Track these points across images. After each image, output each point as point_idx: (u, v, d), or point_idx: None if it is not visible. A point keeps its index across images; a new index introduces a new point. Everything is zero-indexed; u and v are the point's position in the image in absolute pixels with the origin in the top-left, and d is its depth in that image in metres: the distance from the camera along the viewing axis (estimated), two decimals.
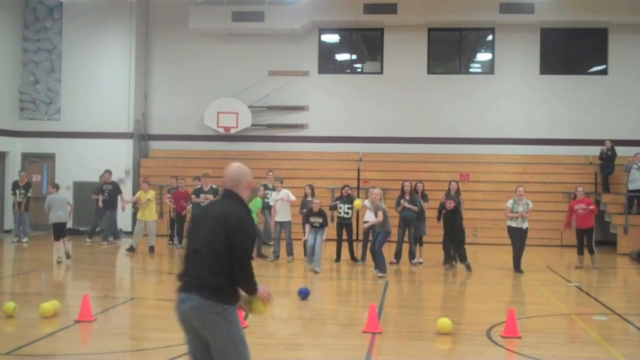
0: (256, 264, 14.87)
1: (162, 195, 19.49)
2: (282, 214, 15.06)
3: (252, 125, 20.92)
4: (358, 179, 19.85)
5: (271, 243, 16.09)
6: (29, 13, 21.40)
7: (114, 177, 18.83)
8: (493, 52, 21.04)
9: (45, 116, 21.22)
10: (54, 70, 21.28)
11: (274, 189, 15.52)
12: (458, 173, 19.50)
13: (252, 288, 4.53)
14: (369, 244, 13.86)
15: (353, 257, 14.93)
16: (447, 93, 20.80)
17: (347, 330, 8.76)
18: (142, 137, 21.41)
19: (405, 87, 20.85)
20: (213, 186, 16.40)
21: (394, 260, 14.75)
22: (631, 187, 18.24)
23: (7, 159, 21.00)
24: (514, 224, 13.81)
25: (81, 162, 20.36)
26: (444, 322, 8.41)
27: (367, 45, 22.40)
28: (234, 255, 4.38)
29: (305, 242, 14.43)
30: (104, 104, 20.69)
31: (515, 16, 20.03)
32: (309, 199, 14.93)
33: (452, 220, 13.95)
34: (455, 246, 14.14)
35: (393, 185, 18.71)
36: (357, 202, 14.64)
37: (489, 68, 21.28)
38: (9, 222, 20.53)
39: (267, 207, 16.16)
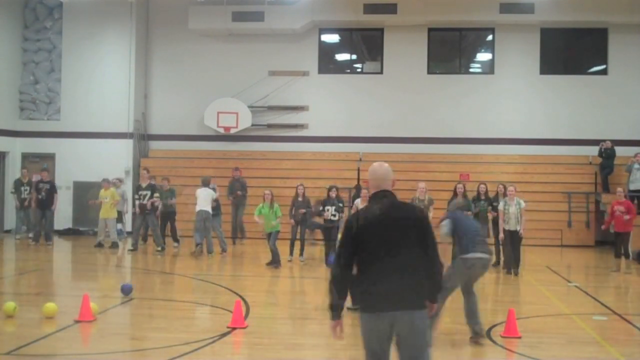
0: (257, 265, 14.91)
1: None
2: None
3: (252, 125, 20.92)
4: (358, 179, 19.82)
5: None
6: (29, 13, 21.37)
7: (114, 177, 18.74)
8: (493, 52, 21.04)
9: (45, 116, 21.20)
10: (54, 70, 21.26)
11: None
12: (458, 173, 19.49)
13: None
14: None
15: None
16: (447, 93, 20.79)
17: (347, 330, 8.71)
18: (142, 137, 21.40)
19: (405, 87, 20.84)
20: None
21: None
22: (632, 187, 18.18)
23: (7, 159, 20.97)
24: (506, 227, 13.63)
25: (81, 162, 20.33)
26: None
27: (367, 45, 22.38)
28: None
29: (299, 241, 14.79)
30: (104, 104, 20.66)
31: (515, 16, 20.02)
32: (300, 199, 14.86)
33: None
34: None
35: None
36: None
37: (488, 68, 21.28)
38: (9, 222, 20.51)
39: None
